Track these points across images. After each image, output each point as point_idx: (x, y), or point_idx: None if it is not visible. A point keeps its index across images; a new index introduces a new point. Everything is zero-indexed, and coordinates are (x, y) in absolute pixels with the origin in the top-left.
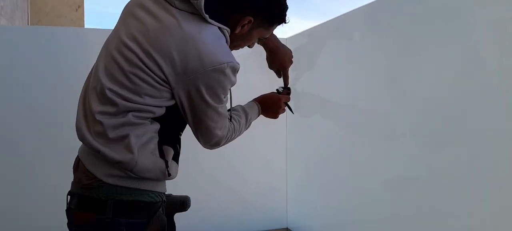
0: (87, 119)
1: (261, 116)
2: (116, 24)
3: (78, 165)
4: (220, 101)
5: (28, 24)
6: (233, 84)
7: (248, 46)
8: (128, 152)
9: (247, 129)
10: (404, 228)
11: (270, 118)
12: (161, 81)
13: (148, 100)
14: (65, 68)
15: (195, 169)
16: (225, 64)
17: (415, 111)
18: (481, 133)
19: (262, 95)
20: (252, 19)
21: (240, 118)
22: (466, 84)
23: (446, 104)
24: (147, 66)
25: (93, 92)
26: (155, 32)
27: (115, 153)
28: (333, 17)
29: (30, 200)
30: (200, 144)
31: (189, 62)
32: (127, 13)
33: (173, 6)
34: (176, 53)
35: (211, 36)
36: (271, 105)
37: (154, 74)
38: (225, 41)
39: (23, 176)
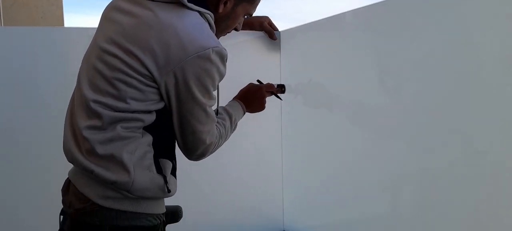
0: (76, 137)
1: (252, 115)
2: (95, 34)
3: (68, 187)
4: (209, 95)
5: (0, 11)
6: (222, 74)
7: (235, 30)
8: (122, 170)
9: (233, 132)
10: (404, 224)
11: (257, 112)
12: (145, 81)
13: (134, 105)
14: (44, 71)
15: (185, 175)
16: (210, 49)
17: (412, 110)
18: (478, 131)
19: (240, 91)
20: None
21: (224, 121)
22: (461, 84)
23: (441, 103)
24: (129, 66)
25: (79, 109)
26: (132, 28)
27: (110, 172)
28: (329, 15)
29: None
30: (185, 154)
31: (171, 52)
32: (103, 19)
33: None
34: (156, 44)
35: (192, 22)
36: (254, 98)
37: (138, 73)
38: (208, 26)
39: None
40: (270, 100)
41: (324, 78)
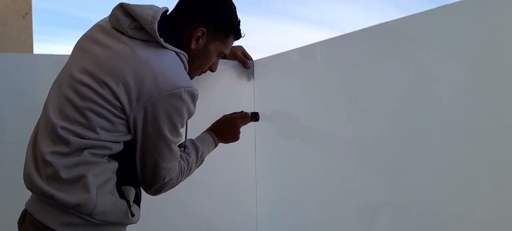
0: (37, 163)
1: (226, 145)
2: (67, 62)
3: (24, 218)
4: (176, 132)
5: None
6: (191, 113)
7: (211, 70)
8: (85, 192)
9: (198, 166)
10: None
11: (232, 142)
12: (116, 112)
13: (103, 135)
14: (9, 97)
15: (154, 206)
16: (183, 89)
17: (383, 137)
18: (446, 156)
19: (213, 123)
20: (205, 30)
21: (189, 156)
22: (429, 111)
23: (412, 130)
24: (101, 97)
25: (44, 134)
26: (107, 60)
27: (71, 196)
28: (300, 46)
29: None
30: (142, 187)
31: (145, 87)
32: (77, 49)
33: (125, 35)
34: (131, 78)
35: (167, 60)
36: (227, 129)
37: (109, 104)
38: (183, 67)
39: None
40: (244, 129)
41: (297, 106)
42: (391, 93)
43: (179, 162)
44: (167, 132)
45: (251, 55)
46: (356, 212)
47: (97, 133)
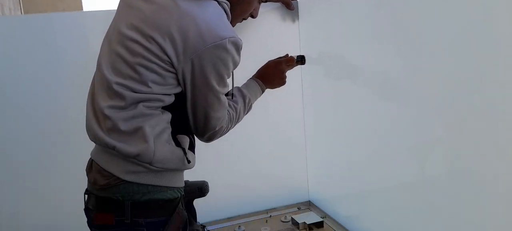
0: (97, 116)
1: (273, 90)
2: (114, 17)
3: (91, 166)
4: (223, 83)
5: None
6: (236, 63)
7: (251, 16)
8: (143, 142)
9: (247, 112)
10: (430, 192)
11: (278, 86)
12: (165, 66)
13: (155, 88)
14: (64, 58)
15: (209, 152)
16: (227, 40)
17: (436, 76)
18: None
19: (259, 69)
20: None
21: (236, 104)
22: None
23: (467, 66)
24: (150, 52)
25: (100, 90)
26: (153, 15)
27: (131, 146)
28: None
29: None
30: (196, 136)
31: (190, 40)
32: (123, 4)
33: None
34: (176, 31)
35: (210, 11)
36: (273, 73)
37: (158, 59)
38: (225, 16)
39: (28, 176)
40: (290, 73)
41: (345, 47)
42: (445, 30)
43: (227, 110)
44: (214, 83)
45: None
46: (408, 153)
47: (150, 87)
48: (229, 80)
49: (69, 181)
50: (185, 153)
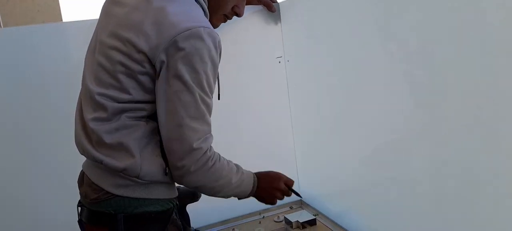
0: (86, 130)
1: (260, 91)
2: (95, 28)
3: (83, 179)
4: (198, 81)
5: None
6: (213, 59)
7: (237, 14)
8: (130, 156)
9: (235, 192)
10: (421, 186)
11: (263, 197)
12: (143, 69)
13: (136, 95)
14: (46, 69)
15: None
16: (202, 28)
17: (423, 60)
18: None
19: (262, 173)
20: None
21: (230, 163)
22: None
23: (447, 64)
24: (127, 57)
25: (85, 103)
26: (126, 16)
27: (118, 161)
28: None
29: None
30: (169, 159)
31: (163, 31)
32: (103, 13)
33: None
34: (149, 27)
35: (184, 6)
36: (271, 181)
37: (136, 62)
38: (202, 12)
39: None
40: (276, 72)
41: (328, 46)
42: (427, 24)
43: (220, 158)
44: (187, 76)
45: None
46: (398, 148)
47: (131, 94)
48: (207, 89)
49: (58, 192)
50: (167, 166)
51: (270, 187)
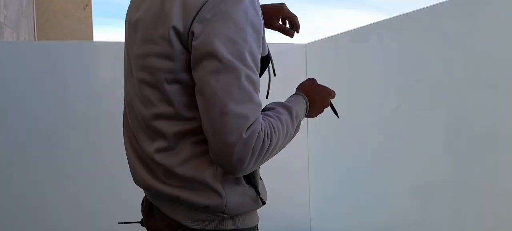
0: (148, 165)
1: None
2: (125, 46)
3: (151, 210)
4: (237, 51)
5: (34, 28)
6: (253, 23)
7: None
8: (212, 192)
9: (296, 130)
10: None
11: (317, 112)
12: (183, 64)
13: (185, 109)
14: (71, 85)
15: None
16: None
17: (444, 117)
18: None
19: (302, 84)
20: None
21: (279, 114)
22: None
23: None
24: (166, 57)
25: (139, 132)
26: (148, 13)
27: (198, 196)
28: (356, 27)
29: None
30: (221, 163)
31: (190, 6)
32: (127, 25)
33: None
34: (176, 9)
35: None
36: (320, 98)
37: (174, 60)
38: None
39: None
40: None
41: (351, 89)
42: (448, 75)
43: (267, 117)
44: (222, 50)
45: (301, 37)
46: (412, 189)
47: (178, 106)
48: (250, 61)
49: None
50: (258, 193)
51: (320, 103)
